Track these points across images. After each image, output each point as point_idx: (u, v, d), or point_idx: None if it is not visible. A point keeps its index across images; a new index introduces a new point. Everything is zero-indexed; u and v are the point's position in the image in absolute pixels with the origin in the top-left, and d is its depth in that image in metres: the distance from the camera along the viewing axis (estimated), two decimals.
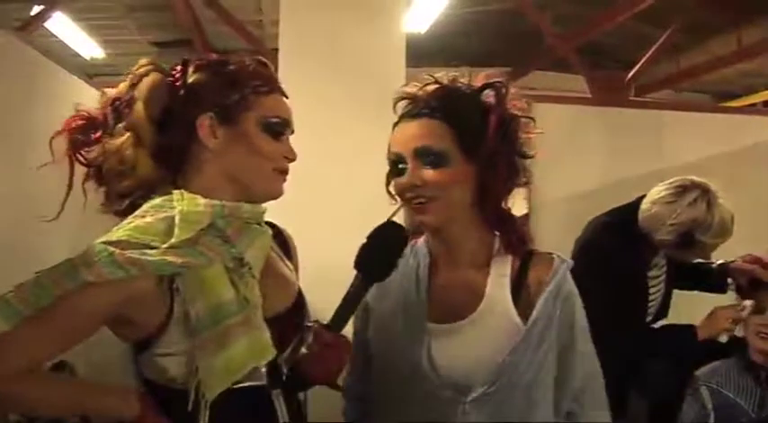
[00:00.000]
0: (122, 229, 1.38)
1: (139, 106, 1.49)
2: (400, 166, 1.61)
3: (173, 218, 1.40)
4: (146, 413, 1.41)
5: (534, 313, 1.57)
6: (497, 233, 1.67)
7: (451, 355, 1.57)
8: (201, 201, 1.44)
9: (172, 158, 1.51)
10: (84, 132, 1.53)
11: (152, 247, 1.35)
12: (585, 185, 4.50)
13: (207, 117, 1.49)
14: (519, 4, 5.89)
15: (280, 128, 1.54)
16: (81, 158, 1.52)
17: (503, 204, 1.65)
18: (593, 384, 1.65)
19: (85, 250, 1.33)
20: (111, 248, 1.32)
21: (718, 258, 2.97)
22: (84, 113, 1.55)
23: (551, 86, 7.18)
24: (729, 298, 2.93)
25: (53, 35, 6.72)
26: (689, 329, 2.74)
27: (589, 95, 5.60)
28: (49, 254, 1.46)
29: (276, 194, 1.56)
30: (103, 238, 1.36)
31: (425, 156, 1.57)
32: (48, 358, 1.39)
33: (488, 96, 1.62)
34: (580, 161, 4.56)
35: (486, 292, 1.61)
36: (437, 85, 1.63)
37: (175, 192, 1.46)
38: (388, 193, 1.68)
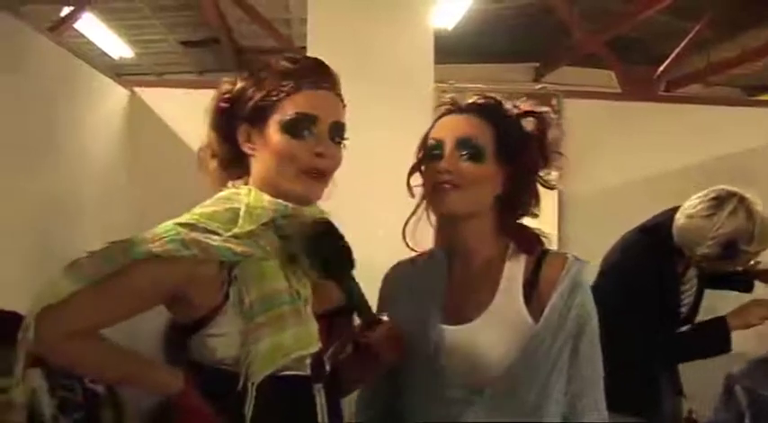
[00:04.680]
0: (191, 214, 1.48)
1: (209, 121, 1.61)
2: (436, 152, 1.64)
3: (238, 209, 1.48)
4: (188, 391, 1.46)
5: (546, 311, 1.58)
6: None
7: (463, 355, 1.58)
8: (267, 198, 1.51)
9: (234, 167, 1.60)
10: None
11: (217, 234, 1.44)
12: (615, 181, 4.46)
13: (243, 126, 1.56)
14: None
15: (299, 124, 1.51)
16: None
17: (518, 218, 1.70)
18: (590, 391, 1.61)
19: (155, 228, 1.44)
20: (180, 228, 1.43)
21: None
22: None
23: (580, 82, 7.12)
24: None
25: (82, 36, 6.79)
26: (720, 323, 2.68)
27: (619, 91, 5.55)
28: (74, 250, 1.48)
29: (306, 197, 1.55)
30: (173, 220, 1.46)
31: (465, 147, 1.62)
32: (106, 324, 1.46)
33: (530, 124, 1.69)
34: (610, 157, 4.52)
35: (497, 292, 1.62)
36: (486, 98, 1.70)
37: (244, 187, 1.55)
38: (408, 185, 1.71)
